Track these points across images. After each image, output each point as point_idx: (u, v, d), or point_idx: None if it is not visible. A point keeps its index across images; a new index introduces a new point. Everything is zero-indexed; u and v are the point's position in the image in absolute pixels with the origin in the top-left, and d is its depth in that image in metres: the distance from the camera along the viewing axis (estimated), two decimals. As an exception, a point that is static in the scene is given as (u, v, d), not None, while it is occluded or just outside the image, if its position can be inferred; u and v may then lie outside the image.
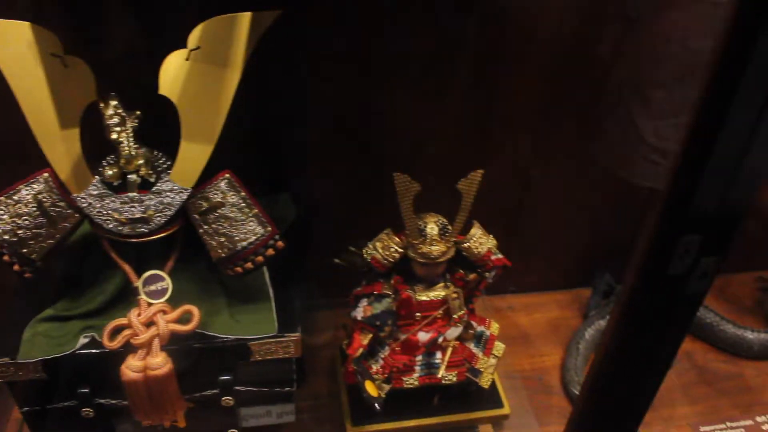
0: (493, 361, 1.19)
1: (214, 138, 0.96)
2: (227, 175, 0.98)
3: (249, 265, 1.00)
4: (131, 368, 0.94)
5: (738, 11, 0.51)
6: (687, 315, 0.71)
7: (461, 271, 1.14)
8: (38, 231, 0.94)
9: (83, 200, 0.95)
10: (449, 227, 1.08)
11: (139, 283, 0.99)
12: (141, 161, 0.97)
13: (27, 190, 0.94)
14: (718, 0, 1.08)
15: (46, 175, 0.94)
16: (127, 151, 0.95)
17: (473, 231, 1.11)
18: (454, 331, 1.15)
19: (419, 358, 1.16)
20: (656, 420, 1.33)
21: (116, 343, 0.94)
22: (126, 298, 1.02)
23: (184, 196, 0.98)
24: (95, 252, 1.03)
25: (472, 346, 1.19)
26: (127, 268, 1.00)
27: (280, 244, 1.01)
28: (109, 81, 0.96)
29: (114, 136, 0.95)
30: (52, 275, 1.04)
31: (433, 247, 1.07)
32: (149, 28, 1.08)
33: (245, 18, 0.93)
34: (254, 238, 0.99)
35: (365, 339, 1.11)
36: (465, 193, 1.05)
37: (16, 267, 0.96)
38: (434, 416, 1.22)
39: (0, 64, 0.90)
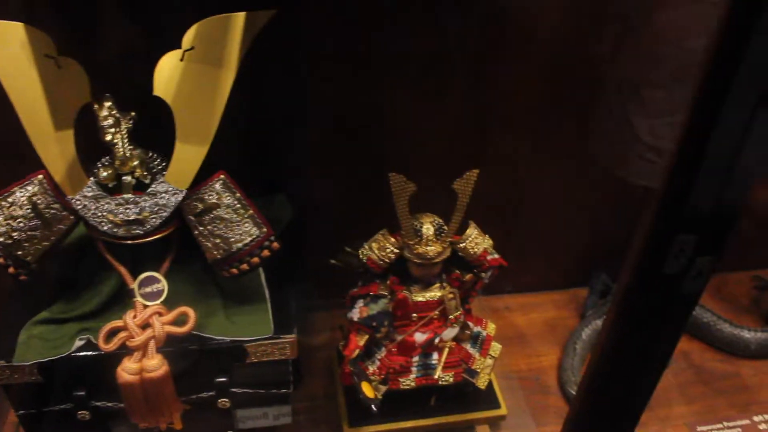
0: (489, 361, 1.19)
1: (209, 139, 0.96)
2: (222, 176, 0.98)
3: (244, 266, 1.00)
4: (127, 370, 0.94)
5: (731, 11, 0.51)
6: (682, 314, 0.71)
7: (457, 271, 1.14)
8: (33, 233, 0.94)
9: (78, 202, 0.95)
10: (445, 227, 1.08)
11: (134, 285, 0.99)
12: (136, 162, 0.97)
13: (21, 192, 0.94)
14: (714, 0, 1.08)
15: (40, 176, 0.94)
16: (121, 153, 0.95)
17: (469, 231, 1.11)
18: (450, 332, 1.15)
19: (416, 359, 1.16)
20: (653, 420, 1.33)
21: (112, 346, 0.94)
22: (122, 300, 1.02)
23: (179, 197, 0.97)
24: (90, 254, 1.02)
25: (468, 346, 1.19)
26: (123, 270, 1.00)
27: (275, 245, 1.01)
28: (104, 82, 0.96)
29: (108, 137, 0.95)
30: (48, 277, 1.04)
31: (429, 248, 1.07)
32: (143, 28, 1.07)
33: (239, 18, 0.93)
34: (250, 239, 0.99)
35: (362, 340, 1.11)
36: (461, 193, 1.05)
37: (11, 269, 0.96)
38: (431, 417, 1.22)
39: (-6, 65, 0.90)
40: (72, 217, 0.96)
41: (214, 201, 0.98)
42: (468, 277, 1.14)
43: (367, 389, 1.10)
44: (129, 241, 0.97)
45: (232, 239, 0.98)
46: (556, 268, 1.60)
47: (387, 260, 1.09)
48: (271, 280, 1.09)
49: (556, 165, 1.40)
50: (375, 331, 1.10)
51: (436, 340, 1.14)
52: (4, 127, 0.95)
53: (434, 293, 1.13)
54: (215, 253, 0.99)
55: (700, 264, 0.65)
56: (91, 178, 0.96)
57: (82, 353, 0.97)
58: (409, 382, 1.16)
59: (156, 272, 1.00)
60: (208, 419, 1.08)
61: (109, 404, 1.02)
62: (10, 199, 0.94)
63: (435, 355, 1.16)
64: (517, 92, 1.29)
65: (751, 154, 0.57)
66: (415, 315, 1.13)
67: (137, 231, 0.96)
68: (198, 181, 0.98)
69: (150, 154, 1.00)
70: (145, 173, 0.98)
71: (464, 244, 1.10)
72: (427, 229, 1.07)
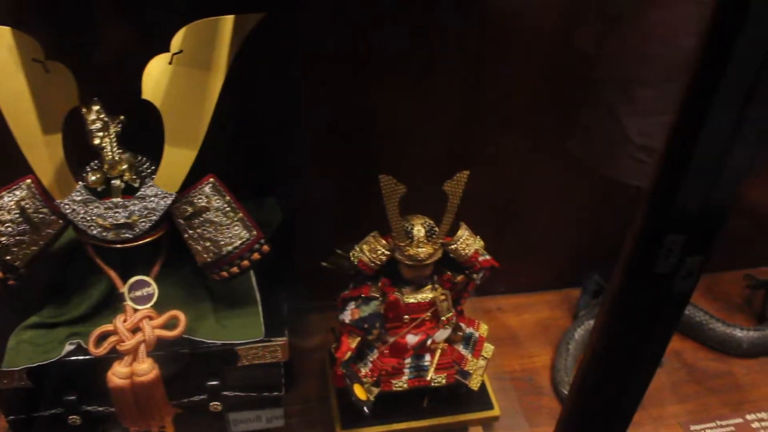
0: (482, 362, 1.19)
1: (198, 142, 0.96)
2: (212, 180, 0.98)
3: (235, 269, 1.00)
4: (117, 375, 0.93)
5: (717, 10, 0.51)
6: (674, 314, 0.71)
7: (449, 272, 1.14)
8: (21, 238, 0.94)
9: (67, 206, 0.95)
10: (436, 229, 1.08)
11: (124, 289, 0.98)
12: (125, 166, 0.96)
13: (9, 196, 0.93)
14: (702, -1, 1.08)
15: (28, 181, 0.93)
16: (110, 157, 0.95)
17: (460, 232, 1.11)
18: (442, 333, 1.15)
19: (408, 360, 1.15)
20: (646, 419, 1.33)
21: (102, 350, 0.94)
22: (112, 304, 1.01)
23: (169, 200, 0.97)
24: (80, 258, 1.02)
25: (461, 347, 1.19)
26: (113, 274, 0.99)
27: (265, 248, 1.00)
28: (92, 86, 0.95)
29: (97, 141, 0.94)
30: (37, 282, 1.03)
31: (420, 249, 1.07)
32: (131, 32, 1.07)
33: (228, 21, 0.93)
34: (240, 242, 0.99)
35: (353, 342, 1.11)
36: (451, 194, 1.05)
37: (-1, 274, 0.96)
38: (424, 419, 1.22)
39: (-19, 69, 0.89)
40: (61, 222, 0.96)
41: (204, 204, 0.97)
42: (460, 278, 1.14)
43: (359, 391, 1.10)
44: (118, 245, 0.97)
45: (222, 242, 0.98)
46: (549, 269, 1.60)
47: (378, 262, 1.09)
48: (262, 283, 1.09)
49: (547, 165, 1.40)
50: (367, 333, 1.10)
51: (429, 342, 1.14)
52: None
53: (426, 295, 1.13)
54: (205, 256, 0.99)
55: (690, 263, 0.64)
56: (80, 183, 0.96)
57: (72, 358, 0.96)
58: (401, 383, 1.16)
59: (146, 276, 1.00)
60: (200, 423, 1.08)
61: (100, 409, 1.01)
62: (-3, 204, 0.93)
63: (427, 357, 1.16)
64: (507, 93, 1.29)
65: (739, 153, 0.57)
66: (406, 317, 1.13)
67: (127, 235, 0.96)
68: (187, 185, 0.98)
69: (139, 158, 0.99)
70: (134, 177, 0.97)
71: (455, 246, 1.10)
72: (418, 230, 1.07)
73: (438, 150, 1.32)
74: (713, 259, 0.66)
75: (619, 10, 1.22)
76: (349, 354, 1.10)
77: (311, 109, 1.23)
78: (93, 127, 0.94)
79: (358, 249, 1.10)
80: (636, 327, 0.71)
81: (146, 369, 0.94)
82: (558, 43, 1.24)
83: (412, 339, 1.14)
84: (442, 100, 1.28)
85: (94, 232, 0.95)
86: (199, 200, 0.98)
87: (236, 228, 0.98)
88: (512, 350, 1.47)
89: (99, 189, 0.96)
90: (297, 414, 1.27)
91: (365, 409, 1.09)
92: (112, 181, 0.96)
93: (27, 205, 0.93)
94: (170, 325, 0.97)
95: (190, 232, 0.98)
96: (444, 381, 1.16)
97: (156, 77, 0.94)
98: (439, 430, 1.23)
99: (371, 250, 1.09)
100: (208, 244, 0.98)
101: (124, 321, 0.95)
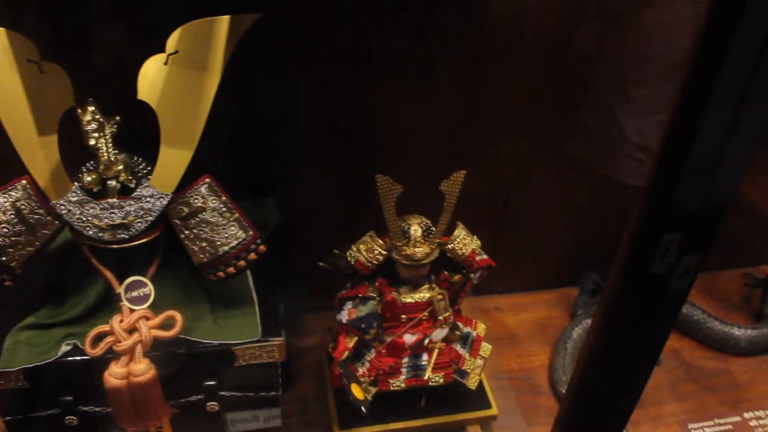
0: (479, 362, 1.19)
1: (193, 143, 0.95)
2: (207, 180, 0.98)
3: (231, 269, 1.00)
4: (114, 375, 0.93)
5: (713, 10, 0.51)
6: (670, 313, 0.71)
7: (446, 272, 1.14)
8: (17, 239, 0.94)
9: (62, 207, 0.95)
10: (433, 228, 1.08)
11: (121, 290, 0.98)
12: (120, 167, 0.96)
13: (5, 197, 0.93)
14: (699, -2, 1.08)
15: (24, 182, 0.93)
16: (105, 157, 0.95)
17: (457, 232, 1.11)
18: (440, 333, 1.15)
19: (405, 360, 1.15)
20: (644, 418, 1.33)
21: (99, 350, 0.94)
22: (108, 304, 1.01)
23: (165, 201, 0.97)
24: (76, 259, 1.02)
25: (458, 347, 1.19)
26: (109, 274, 0.99)
27: (262, 248, 1.00)
28: (88, 86, 0.95)
29: (92, 142, 0.94)
30: (33, 283, 1.03)
31: (416, 249, 1.07)
32: (127, 32, 1.07)
33: (224, 21, 0.93)
34: (236, 242, 0.99)
35: (351, 342, 1.11)
36: (448, 194, 1.05)
37: (-5, 275, 0.96)
38: (422, 418, 1.22)
39: (-24, 70, 0.89)
40: (56, 223, 0.95)
41: (200, 205, 0.97)
42: (457, 278, 1.14)
43: (356, 391, 1.10)
44: (115, 246, 0.97)
45: (219, 243, 0.98)
46: (547, 268, 1.60)
47: (375, 262, 1.09)
48: (259, 283, 1.09)
49: (545, 165, 1.40)
50: (364, 332, 1.10)
51: (426, 341, 1.14)
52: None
53: (423, 294, 1.13)
54: (202, 256, 0.99)
55: (687, 263, 0.65)
56: (76, 183, 0.96)
57: (68, 358, 0.96)
58: (399, 383, 1.16)
59: (142, 276, 0.99)
60: (197, 423, 1.08)
61: (97, 409, 1.01)
62: (-7, 205, 0.93)
63: (425, 356, 1.16)
64: (506, 93, 1.29)
65: (734, 152, 0.57)
66: (404, 316, 1.13)
67: (123, 235, 0.96)
68: (184, 185, 0.98)
69: (135, 159, 0.99)
70: (129, 177, 0.97)
71: (452, 245, 1.10)
72: (415, 230, 1.07)
73: (437, 150, 1.32)
74: (711, 258, 0.67)
75: (617, 10, 1.22)
76: (346, 354, 1.10)
77: (310, 109, 1.22)
78: (88, 127, 0.94)
79: (355, 249, 1.10)
80: (633, 326, 0.71)
81: (143, 369, 0.94)
82: (556, 43, 1.24)
83: (409, 338, 1.13)
84: (440, 100, 1.28)
85: (90, 232, 0.95)
86: (195, 200, 0.97)
87: (232, 228, 0.98)
88: (510, 349, 1.47)
89: (95, 190, 0.96)
90: (294, 414, 1.27)
91: (362, 408, 1.09)
92: (108, 182, 0.96)
93: (22, 206, 0.93)
94: (167, 325, 0.97)
95: (187, 232, 0.98)
96: (441, 380, 1.16)
97: (151, 78, 0.94)
98: (436, 429, 1.23)
99: (368, 250, 1.09)
100: (204, 244, 0.98)
101: (121, 321, 0.95)
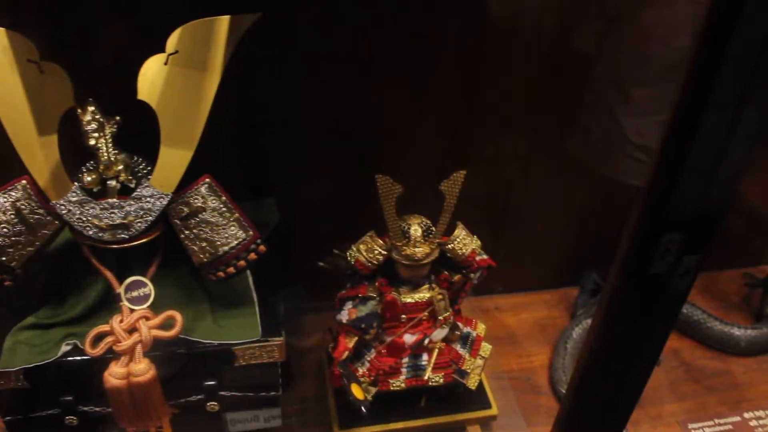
0: (479, 362, 1.19)
1: (193, 142, 0.95)
2: (208, 180, 0.98)
3: (231, 269, 1.00)
4: (114, 375, 0.93)
5: (712, 10, 0.51)
6: (670, 313, 0.71)
7: (446, 272, 1.14)
8: (17, 239, 0.94)
9: (62, 207, 0.94)
10: (433, 228, 1.08)
11: (121, 290, 0.98)
12: (120, 167, 0.96)
13: (5, 197, 0.93)
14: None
15: (24, 182, 0.93)
16: (105, 157, 0.95)
17: (457, 232, 1.11)
18: (440, 333, 1.15)
19: (405, 360, 1.15)
20: (644, 418, 1.33)
21: (99, 350, 0.94)
22: (108, 304, 1.01)
23: (165, 201, 0.97)
24: (76, 259, 1.02)
25: (458, 347, 1.19)
26: (109, 274, 0.99)
27: (262, 248, 1.00)
28: (88, 87, 0.95)
29: (92, 142, 0.94)
30: (33, 283, 1.03)
31: (416, 249, 1.07)
32: (127, 32, 1.07)
33: (224, 21, 0.93)
34: (236, 242, 0.99)
35: (351, 342, 1.11)
36: (448, 194, 1.05)
37: (-5, 275, 0.96)
38: (422, 418, 1.22)
39: (-24, 71, 0.89)
40: (56, 223, 0.95)
41: (200, 205, 0.97)
42: (457, 278, 1.14)
43: (356, 391, 1.10)
44: (115, 246, 0.97)
45: (219, 243, 0.98)
46: (547, 268, 1.60)
47: (375, 262, 1.09)
48: (260, 283, 1.09)
49: (545, 165, 1.40)
50: (364, 332, 1.10)
51: (426, 341, 1.14)
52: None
53: (423, 294, 1.13)
54: (202, 256, 0.99)
55: (687, 262, 0.65)
56: (76, 183, 0.96)
57: (68, 358, 0.96)
58: (399, 383, 1.16)
59: (142, 276, 0.99)
60: (197, 423, 1.08)
61: (97, 409, 1.01)
62: (-7, 205, 0.93)
63: (425, 356, 1.16)
64: (505, 93, 1.29)
65: (734, 152, 0.57)
66: (404, 316, 1.13)
67: (123, 235, 0.96)
68: (184, 185, 0.98)
69: (135, 159, 0.99)
70: (130, 177, 0.97)
71: (452, 245, 1.10)
72: (415, 230, 1.07)
73: (436, 149, 1.32)
74: (711, 258, 0.67)
75: (617, 10, 1.22)
76: (346, 354, 1.10)
77: (310, 108, 1.22)
78: (88, 127, 0.94)
79: (355, 249, 1.10)
80: (633, 326, 0.71)
81: (143, 369, 0.94)
82: (556, 43, 1.24)
83: (409, 338, 1.13)
84: (440, 99, 1.27)
85: (90, 232, 0.95)
86: (195, 200, 0.97)
87: (232, 228, 0.98)
88: (510, 349, 1.47)
89: (95, 190, 0.96)
90: (294, 414, 1.27)
91: (362, 408, 1.09)
92: (108, 182, 0.96)
93: (22, 206, 0.93)
94: (167, 325, 0.97)
95: (187, 232, 0.98)
96: (441, 380, 1.16)
97: (151, 78, 0.94)
98: (436, 429, 1.23)
99: (368, 250, 1.09)
100: (204, 244, 0.98)
101: (121, 321, 0.95)
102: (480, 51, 1.23)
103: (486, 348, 1.21)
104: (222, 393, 1.05)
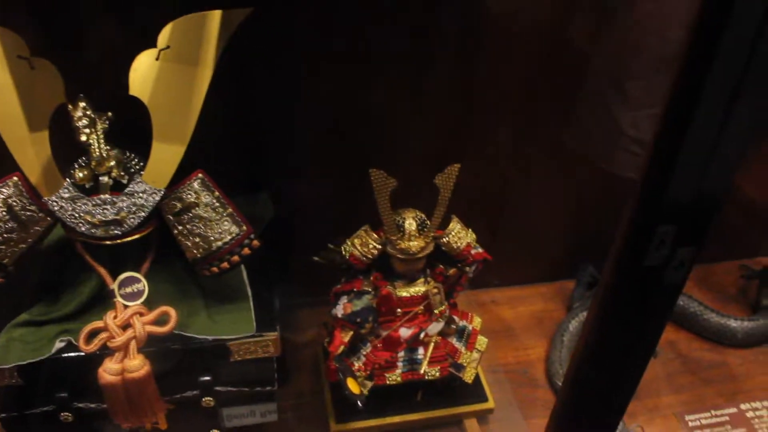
0: (476, 355, 1.19)
1: (186, 138, 0.95)
2: (200, 175, 0.97)
3: (225, 264, 1.00)
4: (108, 371, 0.93)
5: (705, 2, 0.51)
6: (666, 305, 0.71)
7: (441, 266, 1.14)
8: (9, 236, 0.93)
9: (54, 203, 0.94)
10: (428, 222, 1.08)
11: (114, 286, 0.98)
12: (112, 163, 0.96)
13: (-4, 194, 0.93)
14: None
15: (15, 179, 0.93)
16: (97, 153, 0.94)
17: (452, 225, 1.11)
18: (435, 327, 1.15)
19: (401, 354, 1.15)
20: (641, 410, 1.33)
21: (93, 347, 0.94)
22: (102, 301, 1.01)
23: (157, 197, 0.97)
24: (70, 255, 1.02)
25: (454, 341, 1.18)
26: (102, 270, 0.99)
27: (255, 243, 1.00)
28: (78, 82, 0.94)
29: (83, 138, 0.94)
30: (27, 280, 1.03)
31: (411, 243, 1.07)
32: (118, 27, 1.06)
33: (215, 16, 0.92)
34: (229, 237, 0.98)
35: (346, 336, 1.11)
36: (442, 187, 1.04)
37: (-12, 272, 0.95)
38: (418, 412, 1.22)
39: (-35, 67, 0.89)
40: (49, 219, 0.95)
41: (193, 200, 0.97)
42: (452, 271, 1.14)
43: (352, 385, 1.10)
44: (108, 242, 0.97)
45: (212, 238, 0.98)
46: (543, 261, 1.60)
47: (370, 256, 1.09)
48: (255, 278, 1.09)
49: (541, 158, 1.40)
50: (359, 327, 1.10)
51: (422, 335, 1.14)
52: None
53: (418, 288, 1.13)
54: (195, 252, 0.99)
55: (681, 255, 0.64)
56: (68, 180, 0.95)
57: (63, 355, 0.96)
58: (395, 377, 1.16)
59: (136, 272, 0.99)
60: (193, 418, 1.07)
61: (92, 405, 1.01)
62: (-16, 202, 0.93)
63: (420, 350, 1.16)
64: (501, 87, 1.28)
65: (728, 144, 0.57)
66: (399, 310, 1.13)
67: (116, 231, 0.95)
68: (176, 181, 0.98)
69: (127, 154, 0.99)
70: (122, 173, 0.97)
71: (447, 239, 1.10)
72: (410, 224, 1.07)
73: (432, 144, 1.31)
74: (708, 250, 0.66)
75: (612, 3, 1.22)
76: (342, 348, 1.10)
77: (305, 104, 1.22)
78: (79, 123, 0.94)
79: (349, 243, 1.10)
80: (628, 318, 0.70)
81: (137, 365, 0.94)
82: (552, 37, 1.24)
83: (405, 332, 1.13)
84: (435, 93, 1.27)
85: (83, 229, 0.95)
86: (188, 196, 0.97)
87: (226, 223, 0.98)
88: (507, 343, 1.47)
89: (87, 186, 0.96)
90: (291, 409, 1.27)
91: (358, 403, 1.09)
92: (100, 178, 0.96)
93: (14, 203, 0.93)
94: (161, 321, 0.96)
95: (180, 228, 0.98)
96: (437, 374, 1.16)
97: (143, 73, 0.94)
98: (433, 423, 1.23)
99: (362, 244, 1.09)
100: (197, 239, 0.98)
101: (115, 317, 0.95)
102: (475, 45, 1.23)
103: (482, 341, 1.21)
104: (217, 388, 1.05)
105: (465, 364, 1.17)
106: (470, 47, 1.23)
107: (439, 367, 1.16)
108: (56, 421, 1.01)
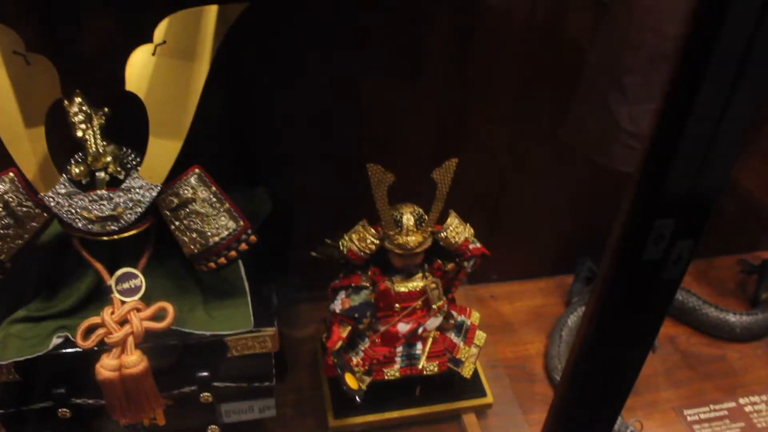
0: (474, 350, 1.19)
1: (182, 133, 0.95)
2: (197, 170, 0.97)
3: (222, 260, 0.99)
4: (106, 367, 0.93)
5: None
6: (664, 300, 0.71)
7: (439, 261, 1.14)
8: (6, 232, 0.93)
9: (51, 199, 0.94)
10: (425, 217, 1.08)
11: (111, 282, 0.97)
12: (109, 158, 0.96)
13: (-8, 190, 0.92)
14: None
15: (11, 174, 0.93)
16: (93, 149, 0.94)
17: (450, 220, 1.10)
18: (434, 322, 1.15)
19: (399, 349, 1.15)
20: (640, 404, 1.33)
21: (90, 343, 0.94)
22: (99, 296, 1.00)
23: (154, 192, 0.96)
24: (67, 251, 1.01)
25: (452, 336, 1.18)
26: (99, 266, 0.99)
27: (252, 238, 1.00)
28: (75, 78, 0.94)
29: (79, 133, 0.94)
30: (24, 276, 1.02)
31: (409, 238, 1.06)
32: (114, 23, 1.06)
33: (211, 11, 0.92)
34: (226, 233, 0.98)
35: (344, 331, 1.11)
36: (440, 182, 1.04)
37: (-16, 269, 0.95)
38: (416, 407, 1.22)
39: (-39, 63, 0.88)
40: (45, 215, 0.95)
41: (190, 195, 0.97)
42: (450, 266, 1.14)
43: (350, 380, 1.10)
44: (105, 238, 0.96)
45: (209, 233, 0.98)
46: (541, 256, 1.60)
47: (368, 251, 1.09)
48: (253, 273, 1.09)
49: (538, 153, 1.40)
50: (357, 322, 1.10)
51: (420, 330, 1.14)
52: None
53: (417, 283, 1.12)
54: (192, 247, 0.98)
55: (679, 248, 0.64)
56: (64, 175, 0.95)
57: (60, 351, 0.96)
58: (393, 372, 1.16)
59: (133, 268, 0.99)
60: (191, 414, 1.07)
61: (90, 401, 1.01)
62: (-19, 199, 0.92)
63: (419, 345, 1.16)
64: (498, 81, 1.28)
65: (726, 138, 0.57)
66: (397, 305, 1.13)
67: (112, 227, 0.95)
68: (173, 176, 0.97)
69: (123, 150, 0.99)
70: (118, 169, 0.97)
71: (445, 234, 1.10)
72: (407, 219, 1.07)
73: (430, 138, 1.32)
74: (706, 245, 0.66)
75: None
76: (340, 343, 1.10)
77: (304, 99, 1.22)
78: (76, 119, 0.93)
79: (347, 238, 1.10)
80: (627, 313, 0.71)
81: (135, 361, 0.93)
82: (549, 31, 1.24)
83: (403, 327, 1.13)
84: (433, 88, 1.27)
85: (80, 224, 0.94)
86: (185, 191, 0.97)
87: (223, 219, 0.98)
88: (505, 338, 1.47)
89: (83, 181, 0.96)
90: (289, 404, 1.27)
91: (356, 398, 1.09)
92: (97, 174, 0.96)
93: (10, 199, 0.92)
94: (158, 316, 0.96)
95: (177, 223, 0.98)
96: (436, 369, 1.16)
97: (139, 68, 0.94)
98: (431, 418, 1.23)
99: (360, 239, 1.09)
100: (194, 235, 0.98)
101: (112, 313, 0.95)
102: (473, 39, 1.23)
103: (480, 336, 1.20)
104: (215, 384, 1.04)
105: (463, 359, 1.17)
106: (468, 41, 1.23)
107: (437, 362, 1.16)
108: (54, 417, 1.01)
